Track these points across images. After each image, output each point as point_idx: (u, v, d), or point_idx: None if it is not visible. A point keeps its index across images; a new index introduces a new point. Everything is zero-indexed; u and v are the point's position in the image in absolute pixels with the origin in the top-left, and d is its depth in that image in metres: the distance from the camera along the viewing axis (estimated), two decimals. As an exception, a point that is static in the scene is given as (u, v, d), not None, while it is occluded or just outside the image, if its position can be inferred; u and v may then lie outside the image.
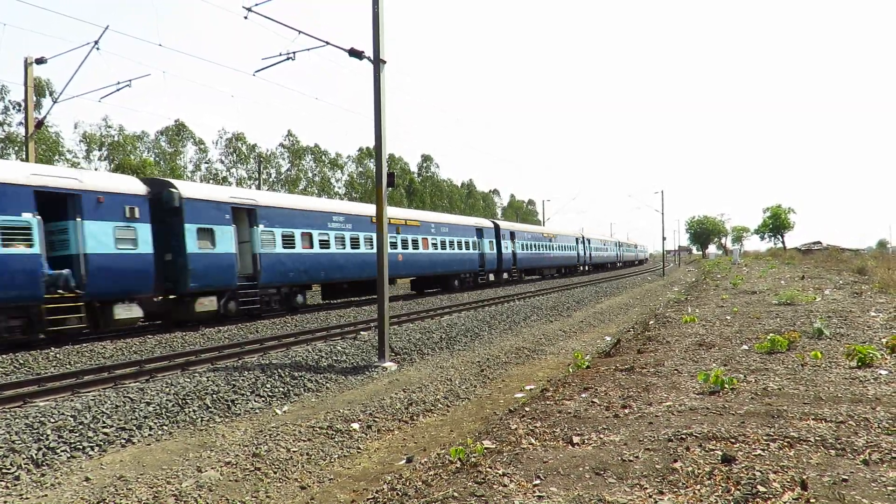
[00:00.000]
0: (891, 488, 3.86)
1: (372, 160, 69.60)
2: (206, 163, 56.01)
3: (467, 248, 33.11)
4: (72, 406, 8.26)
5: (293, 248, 20.60)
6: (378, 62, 12.19)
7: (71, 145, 45.22)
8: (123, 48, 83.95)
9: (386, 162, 12.50)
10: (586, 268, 60.15)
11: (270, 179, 60.86)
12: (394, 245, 26.00)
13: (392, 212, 26.04)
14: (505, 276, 39.05)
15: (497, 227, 37.75)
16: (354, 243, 23.80)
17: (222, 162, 57.21)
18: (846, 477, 4.08)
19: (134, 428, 7.92)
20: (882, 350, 8.46)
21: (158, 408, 8.58)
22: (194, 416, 8.64)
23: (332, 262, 22.52)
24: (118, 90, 19.02)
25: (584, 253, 58.21)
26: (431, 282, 32.30)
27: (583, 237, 58.46)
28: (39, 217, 13.62)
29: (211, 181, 54.95)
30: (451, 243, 31.34)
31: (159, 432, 8.00)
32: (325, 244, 22.23)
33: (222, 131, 58.77)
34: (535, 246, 43.58)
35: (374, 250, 23.19)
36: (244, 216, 19.29)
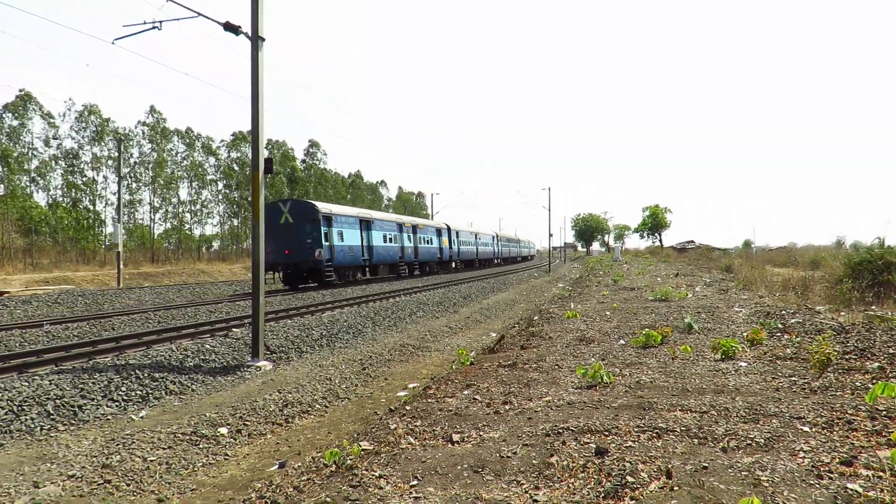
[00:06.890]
0: (744, 473, 4.07)
1: (248, 145, 66.37)
2: (56, 139, 50.55)
3: None
4: None
5: None
6: (256, 39, 11.47)
7: None
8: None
9: (264, 147, 11.82)
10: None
11: (132, 161, 55.96)
12: None
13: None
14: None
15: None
16: None
17: (73, 139, 51.86)
18: (706, 464, 4.26)
19: (-47, 441, 6.83)
20: (743, 343, 9.16)
21: (-13, 417, 7.48)
22: (32, 425, 7.61)
23: None
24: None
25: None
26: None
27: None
28: None
29: (61, 161, 49.98)
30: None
31: (-13, 445, 6.95)
32: None
33: (70, 102, 51.39)
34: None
35: None
36: None
